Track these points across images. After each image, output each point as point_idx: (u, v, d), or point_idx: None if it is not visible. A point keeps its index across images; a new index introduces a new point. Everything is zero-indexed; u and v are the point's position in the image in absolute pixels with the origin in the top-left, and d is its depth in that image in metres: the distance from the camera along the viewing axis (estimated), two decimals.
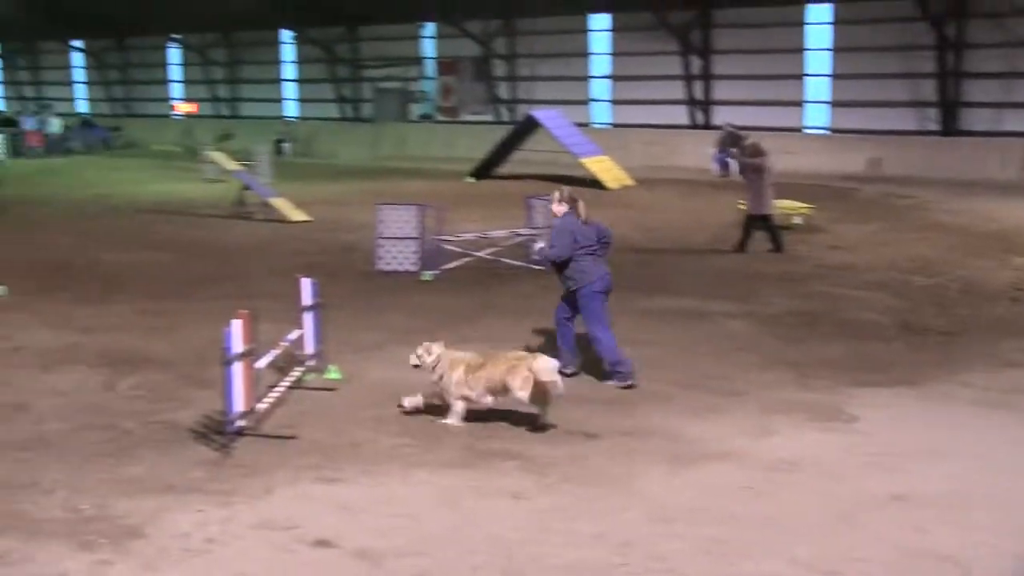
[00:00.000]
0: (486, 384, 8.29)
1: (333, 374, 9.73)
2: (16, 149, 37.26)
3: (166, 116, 45.59)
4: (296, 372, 9.58)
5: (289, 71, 43.14)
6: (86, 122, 44.46)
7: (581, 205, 9.80)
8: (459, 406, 8.37)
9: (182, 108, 43.74)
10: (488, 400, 8.37)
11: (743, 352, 10.86)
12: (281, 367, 9.74)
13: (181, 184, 28.47)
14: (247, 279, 15.01)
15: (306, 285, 9.70)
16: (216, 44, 43.46)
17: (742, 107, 31.31)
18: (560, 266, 9.72)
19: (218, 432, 8.07)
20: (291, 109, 43.29)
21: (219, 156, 24.87)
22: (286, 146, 38.78)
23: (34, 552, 6.13)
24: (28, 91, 51.81)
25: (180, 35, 44.76)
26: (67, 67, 50.58)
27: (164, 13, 41.06)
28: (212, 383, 9.21)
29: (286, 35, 42.38)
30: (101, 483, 7.21)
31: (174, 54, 46.52)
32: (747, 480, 7.28)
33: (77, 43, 48.82)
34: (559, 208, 9.89)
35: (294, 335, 9.57)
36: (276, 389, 9.08)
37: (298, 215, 20.82)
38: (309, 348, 9.73)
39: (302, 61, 42.30)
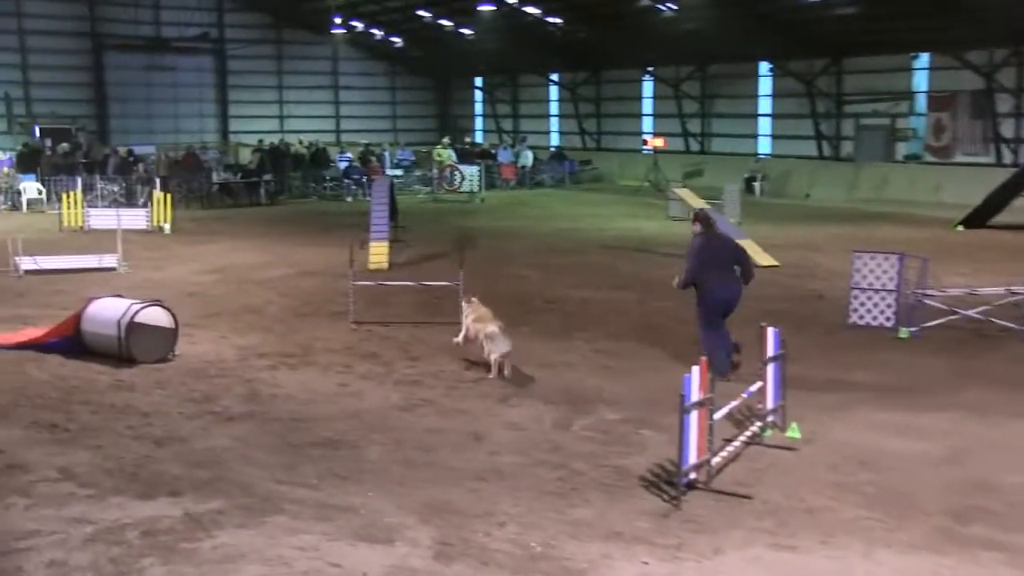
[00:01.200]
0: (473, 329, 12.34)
1: (793, 432, 9.61)
2: (490, 181, 40.47)
3: (635, 150, 47.39)
4: (754, 427, 9.57)
5: (764, 105, 43.28)
6: (557, 155, 47.27)
7: (710, 226, 12.08)
8: (460, 335, 12.61)
9: (652, 142, 45.27)
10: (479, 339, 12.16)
11: None
12: (739, 420, 9.78)
13: (646, 221, 29.43)
14: None
15: (770, 334, 9.67)
16: (690, 77, 44.62)
17: None
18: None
19: (668, 483, 8.26)
20: (764, 145, 43.35)
21: (686, 193, 25.40)
22: (757, 184, 38.87)
23: None
24: (505, 124, 56.13)
25: (654, 68, 46.44)
26: (544, 100, 54.21)
27: (641, 47, 42.84)
28: (666, 430, 9.44)
29: (763, 67, 42.59)
30: (550, 522, 7.63)
31: (647, 87, 48.36)
32: None
33: (555, 76, 52.19)
34: (694, 228, 12.17)
35: (754, 387, 9.57)
36: (732, 443, 9.12)
37: (765, 259, 20.73)
38: (770, 402, 9.68)
39: (779, 95, 42.22)
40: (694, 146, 45.24)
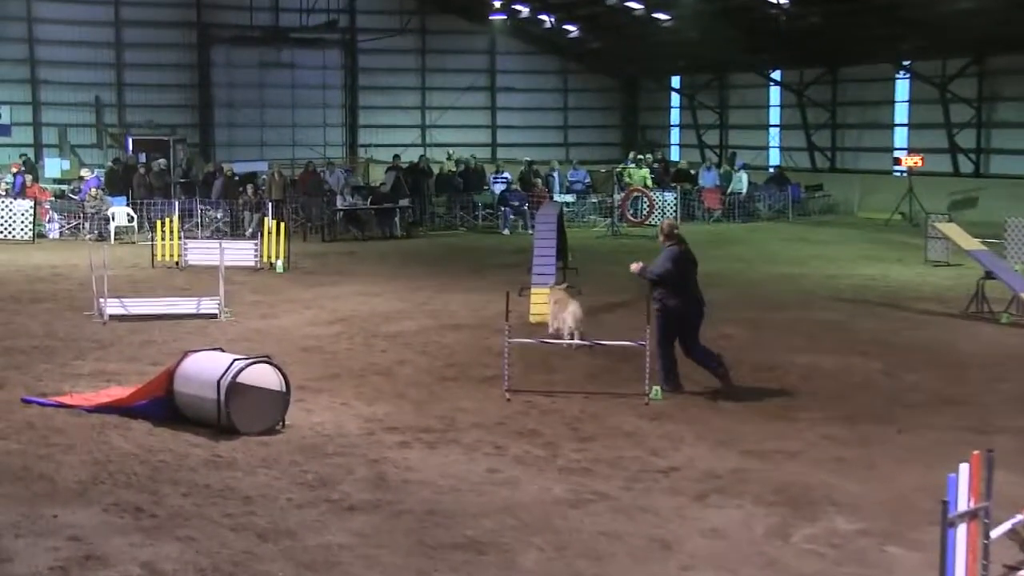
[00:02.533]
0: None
1: None
2: (688, 210, 40.20)
3: (884, 172, 46.46)
4: None
5: None
6: (777, 177, 46.42)
7: (680, 239, 15.39)
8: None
9: (906, 161, 44.32)
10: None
11: None
12: None
13: (895, 266, 28.88)
14: (980, 406, 14.78)
15: None
16: (961, 74, 43.49)
17: None
18: (653, 287, 15.16)
19: None
20: None
21: (952, 230, 24.82)
22: None
23: None
24: (709, 137, 55.60)
25: (912, 62, 45.43)
26: (761, 106, 53.60)
27: (894, 34, 41.92)
28: (921, 548, 9.18)
29: None
30: None
31: (901, 88, 47.39)
32: None
33: (776, 75, 51.63)
34: (663, 241, 15.54)
35: None
36: (1017, 573, 8.82)
37: None
38: None
39: None
40: (965, 166, 44.03)
